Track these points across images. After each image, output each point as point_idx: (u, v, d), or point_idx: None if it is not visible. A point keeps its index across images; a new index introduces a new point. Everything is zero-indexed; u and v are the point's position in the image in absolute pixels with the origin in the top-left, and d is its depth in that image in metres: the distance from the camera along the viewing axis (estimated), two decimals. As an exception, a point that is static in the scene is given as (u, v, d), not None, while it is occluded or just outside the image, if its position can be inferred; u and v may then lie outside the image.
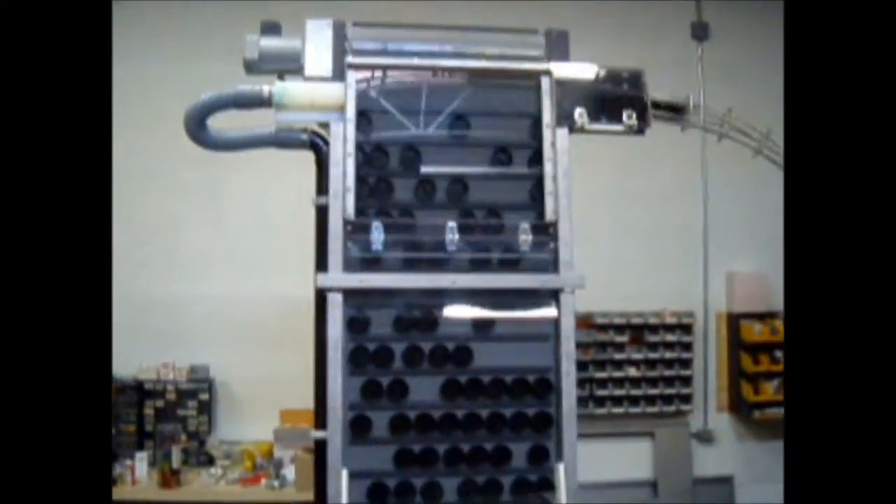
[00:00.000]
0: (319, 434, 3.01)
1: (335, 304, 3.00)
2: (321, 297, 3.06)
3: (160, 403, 5.89)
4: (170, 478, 5.22)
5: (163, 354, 5.99)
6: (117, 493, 5.26)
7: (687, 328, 6.47)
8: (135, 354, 5.94)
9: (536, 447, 3.06)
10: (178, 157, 5.65)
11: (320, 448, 3.01)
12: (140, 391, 5.89)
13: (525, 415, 3.05)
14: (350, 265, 3.03)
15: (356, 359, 3.00)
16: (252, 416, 6.03)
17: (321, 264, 3.09)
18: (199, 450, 5.84)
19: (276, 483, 5.27)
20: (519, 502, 3.02)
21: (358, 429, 2.98)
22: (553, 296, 3.10)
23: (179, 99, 3.30)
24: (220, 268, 6.12)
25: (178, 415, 5.88)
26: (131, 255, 6.02)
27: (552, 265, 3.13)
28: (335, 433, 2.96)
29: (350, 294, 3.02)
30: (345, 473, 2.92)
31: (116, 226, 5.84)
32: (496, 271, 3.10)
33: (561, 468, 3.00)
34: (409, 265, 3.07)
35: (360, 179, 3.07)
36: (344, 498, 2.89)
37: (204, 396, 5.92)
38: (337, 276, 3.01)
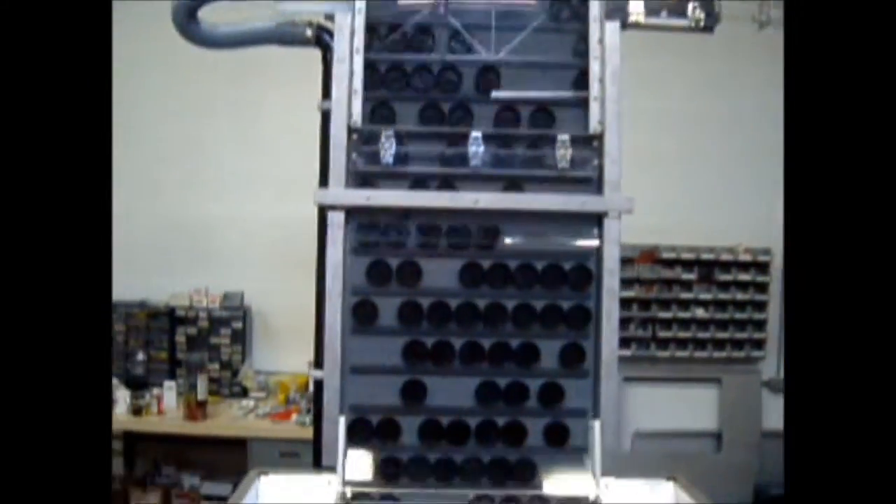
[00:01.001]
0: (317, 374, 2.62)
1: (336, 224, 2.57)
2: (323, 216, 2.64)
3: (192, 331, 5.60)
4: (195, 410, 4.94)
5: (196, 280, 5.69)
6: (142, 423, 5.03)
7: (763, 267, 5.88)
8: (167, 280, 5.67)
9: (570, 346, 2.61)
10: (212, 72, 5.31)
11: (318, 389, 2.62)
12: (172, 318, 5.62)
13: (559, 308, 2.60)
14: (357, 181, 2.60)
15: (363, 236, 2.60)
16: (289, 347, 5.68)
17: (325, 179, 2.65)
18: (231, 380, 5.56)
19: (306, 420, 4.94)
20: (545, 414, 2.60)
21: (362, 317, 2.59)
22: (596, 221, 2.60)
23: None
24: (255, 189, 5.75)
25: (211, 343, 5.60)
26: (163, 176, 5.72)
27: (596, 185, 2.62)
28: (333, 375, 2.56)
29: (354, 214, 2.59)
30: (342, 421, 2.53)
31: (145, 148, 5.61)
32: (528, 190, 2.62)
33: (597, 426, 2.54)
34: (425, 182, 2.62)
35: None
36: (340, 448, 2.50)
37: (237, 325, 5.62)
38: (338, 193, 2.58)
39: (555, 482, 2.53)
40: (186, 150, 5.78)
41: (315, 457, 2.65)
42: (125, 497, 5.29)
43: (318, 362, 2.66)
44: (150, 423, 4.99)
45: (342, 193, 2.57)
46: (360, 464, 2.53)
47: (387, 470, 2.55)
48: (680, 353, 5.82)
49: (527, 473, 2.56)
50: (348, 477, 2.49)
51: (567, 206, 2.59)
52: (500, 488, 2.54)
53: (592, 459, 2.51)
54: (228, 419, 5.08)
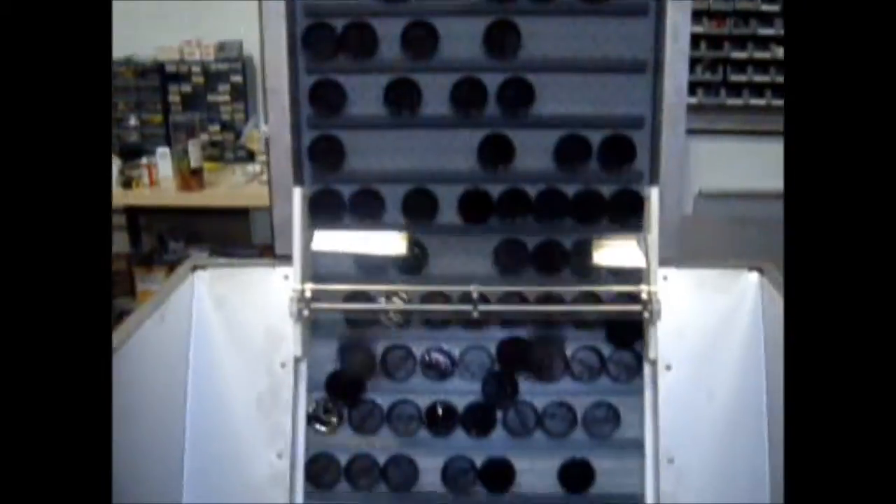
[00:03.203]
0: (266, 129, 1.90)
1: None
2: None
3: (187, 89, 4.87)
4: (189, 178, 4.29)
5: (186, 30, 4.88)
6: (134, 196, 4.41)
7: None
8: (153, 31, 4.86)
9: None
10: None
11: (269, 151, 1.91)
12: (162, 74, 4.87)
13: None
14: None
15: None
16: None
17: None
18: (235, 144, 4.89)
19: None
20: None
21: None
22: None
23: None
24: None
25: (209, 102, 4.88)
26: None
27: None
28: (280, 129, 1.83)
29: None
30: (298, 194, 1.83)
31: None
32: None
33: (654, 196, 1.80)
34: None
35: None
36: (297, 231, 1.82)
37: (237, 79, 4.86)
38: None
39: (601, 254, 1.83)
40: None
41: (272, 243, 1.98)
42: (130, 277, 4.80)
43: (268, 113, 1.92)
44: (142, 197, 4.38)
45: None
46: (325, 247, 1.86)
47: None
48: (755, 101, 4.94)
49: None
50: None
51: None
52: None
53: (648, 240, 1.79)
54: (228, 188, 4.44)
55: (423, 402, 1.85)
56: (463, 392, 1.85)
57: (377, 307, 1.82)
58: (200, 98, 4.86)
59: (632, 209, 1.81)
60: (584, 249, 1.82)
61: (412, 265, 1.86)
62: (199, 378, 1.84)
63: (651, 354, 1.76)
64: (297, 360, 1.82)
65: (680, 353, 1.77)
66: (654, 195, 1.78)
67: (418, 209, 1.84)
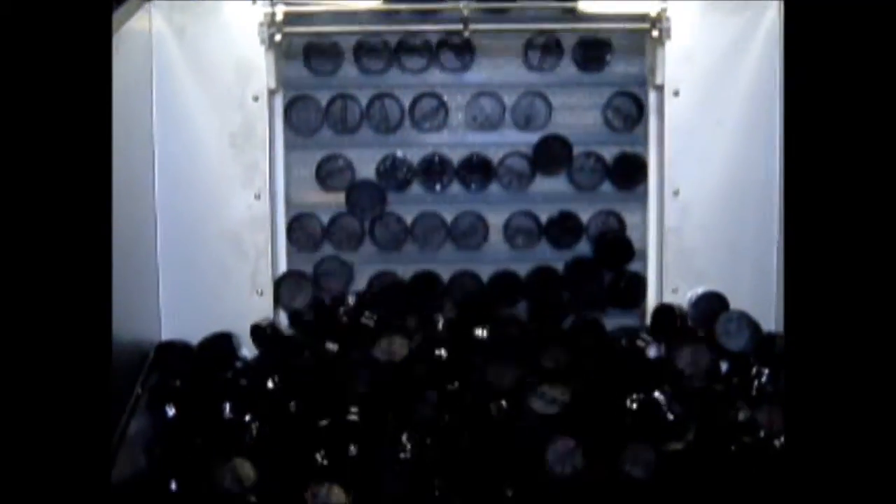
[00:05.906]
0: None
1: None
2: None
3: None
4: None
5: None
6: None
7: None
8: None
9: None
10: None
11: None
12: None
13: None
14: None
15: None
16: None
17: None
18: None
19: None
20: None
21: None
22: None
23: None
24: None
25: None
26: None
27: None
28: None
29: None
30: None
31: None
32: None
33: None
34: None
35: None
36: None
37: None
38: None
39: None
40: None
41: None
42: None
43: None
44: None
45: None
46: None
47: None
48: None
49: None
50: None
51: None
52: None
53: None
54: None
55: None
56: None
57: (357, 29, 1.65)
58: None
59: None
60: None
61: None
62: (165, 118, 1.67)
63: (658, 79, 1.62)
64: (270, 93, 1.66)
65: (689, 77, 1.63)
66: None
67: None
